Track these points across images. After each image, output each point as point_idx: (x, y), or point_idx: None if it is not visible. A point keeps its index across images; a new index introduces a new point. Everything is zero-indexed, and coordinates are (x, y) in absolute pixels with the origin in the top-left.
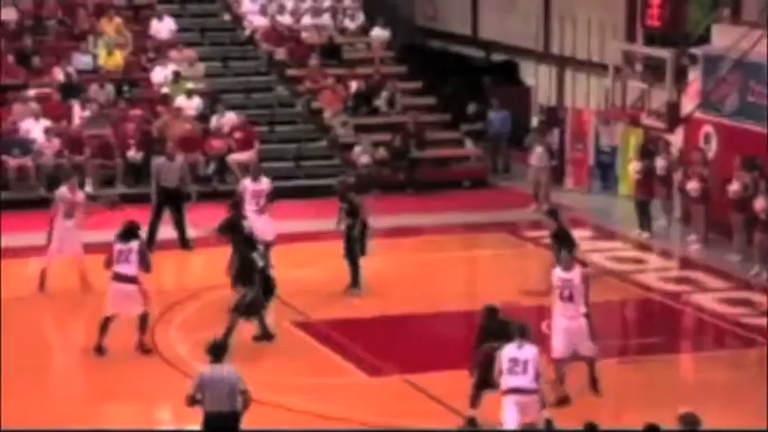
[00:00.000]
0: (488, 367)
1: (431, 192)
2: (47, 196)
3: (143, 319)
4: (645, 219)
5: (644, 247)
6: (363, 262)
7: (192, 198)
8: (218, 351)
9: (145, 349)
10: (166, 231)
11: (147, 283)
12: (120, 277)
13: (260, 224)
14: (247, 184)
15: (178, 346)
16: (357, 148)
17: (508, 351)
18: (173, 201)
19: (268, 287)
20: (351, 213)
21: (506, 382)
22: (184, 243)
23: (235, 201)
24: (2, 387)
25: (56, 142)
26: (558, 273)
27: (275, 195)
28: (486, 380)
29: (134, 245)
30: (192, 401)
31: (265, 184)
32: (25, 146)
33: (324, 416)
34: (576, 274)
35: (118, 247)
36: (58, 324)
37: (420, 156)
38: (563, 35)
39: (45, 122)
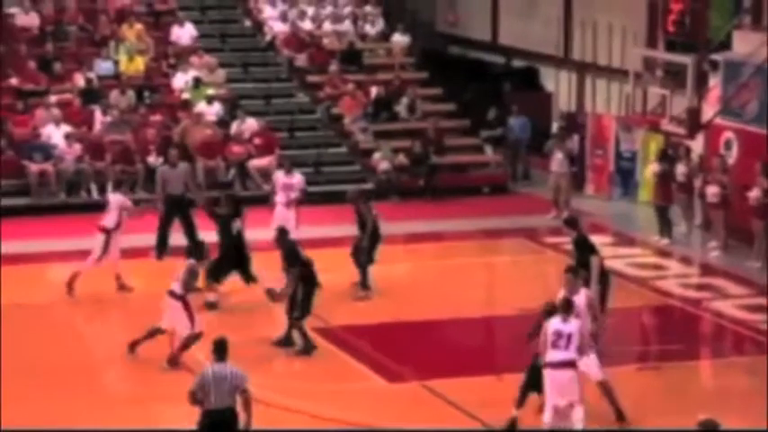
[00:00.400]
0: (537, 371)
1: (450, 198)
2: (67, 202)
3: (189, 338)
4: (665, 225)
5: (664, 253)
6: (381, 267)
7: (198, 204)
8: (221, 349)
9: (174, 362)
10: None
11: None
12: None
13: (283, 217)
14: (280, 176)
15: (197, 351)
16: (377, 155)
17: (553, 324)
18: (179, 208)
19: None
20: (360, 225)
21: (550, 355)
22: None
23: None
24: (26, 388)
25: (77, 148)
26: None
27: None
28: (533, 383)
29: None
30: (194, 399)
31: (297, 178)
32: (46, 151)
33: (343, 421)
34: (580, 305)
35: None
36: (89, 328)
37: (440, 162)
38: (584, 41)
39: (66, 128)
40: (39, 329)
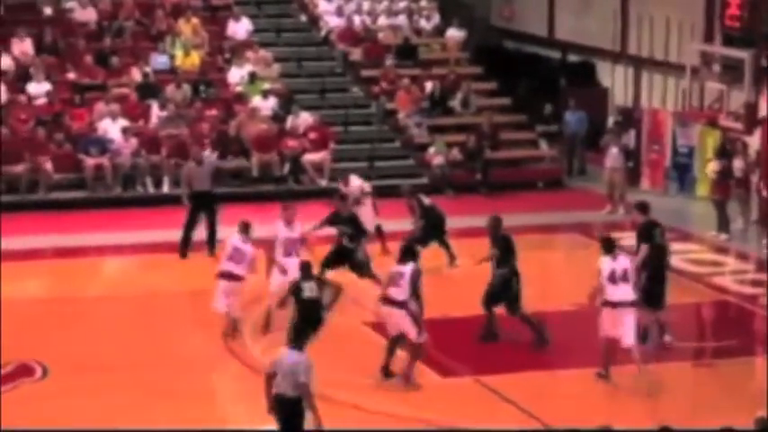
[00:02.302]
0: None
1: (505, 193)
2: (123, 196)
3: (415, 349)
4: (723, 220)
5: (720, 249)
6: (435, 262)
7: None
8: (297, 336)
9: (408, 380)
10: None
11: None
12: (388, 301)
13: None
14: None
15: (253, 347)
16: (431, 149)
17: (606, 265)
18: (206, 204)
19: None
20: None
21: (608, 293)
22: (211, 248)
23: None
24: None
25: (133, 142)
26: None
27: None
28: None
29: (407, 269)
30: (269, 380)
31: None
32: (103, 145)
33: (396, 416)
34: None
35: (392, 269)
36: (142, 322)
37: (494, 157)
38: (640, 35)
39: (122, 122)
40: (93, 323)
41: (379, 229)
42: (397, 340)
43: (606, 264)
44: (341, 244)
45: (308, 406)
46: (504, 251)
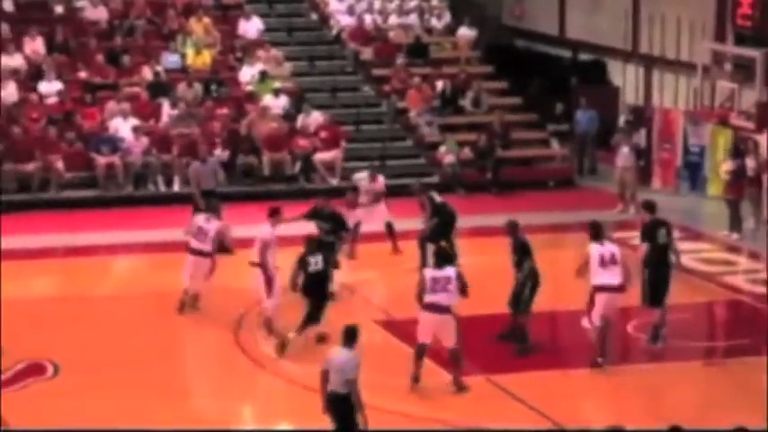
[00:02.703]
0: None
1: (516, 192)
2: (134, 194)
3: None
4: (735, 220)
5: (732, 248)
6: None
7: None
8: (348, 336)
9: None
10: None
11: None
12: (436, 307)
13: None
14: (364, 182)
15: (263, 344)
16: (442, 148)
17: (594, 251)
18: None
19: None
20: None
21: (599, 278)
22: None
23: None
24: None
25: (144, 140)
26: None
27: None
28: None
29: (452, 273)
30: (323, 377)
31: (381, 183)
32: (114, 144)
33: (408, 415)
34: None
35: (432, 274)
36: (155, 321)
37: (505, 156)
38: (651, 34)
39: (134, 121)
40: (105, 322)
41: (390, 228)
42: (425, 348)
43: (595, 250)
44: (319, 238)
45: (355, 403)
46: (522, 254)
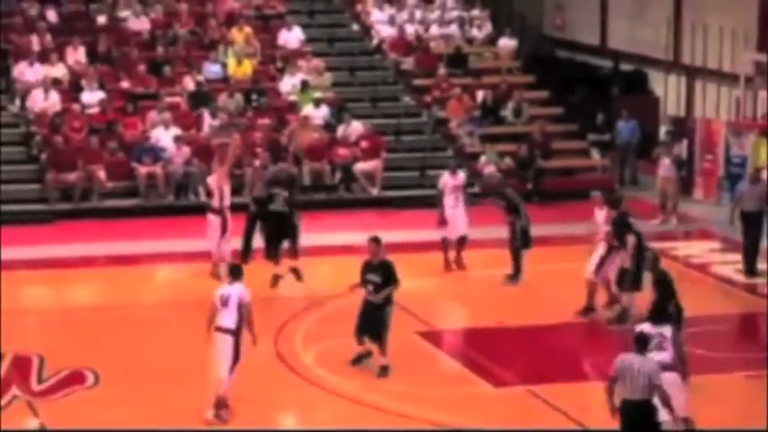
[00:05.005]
0: None
1: (557, 202)
2: (175, 204)
3: None
4: None
5: None
6: (488, 271)
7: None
8: (640, 342)
9: None
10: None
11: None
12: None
13: (457, 217)
14: (447, 179)
15: (303, 354)
16: (483, 158)
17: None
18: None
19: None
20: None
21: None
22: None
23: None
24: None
25: (185, 150)
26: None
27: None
28: None
29: (666, 331)
30: (611, 385)
31: (462, 178)
32: (155, 153)
33: (448, 425)
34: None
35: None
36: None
37: (546, 166)
38: (693, 44)
39: (175, 131)
40: (146, 331)
41: (462, 239)
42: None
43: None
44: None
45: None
46: (624, 228)
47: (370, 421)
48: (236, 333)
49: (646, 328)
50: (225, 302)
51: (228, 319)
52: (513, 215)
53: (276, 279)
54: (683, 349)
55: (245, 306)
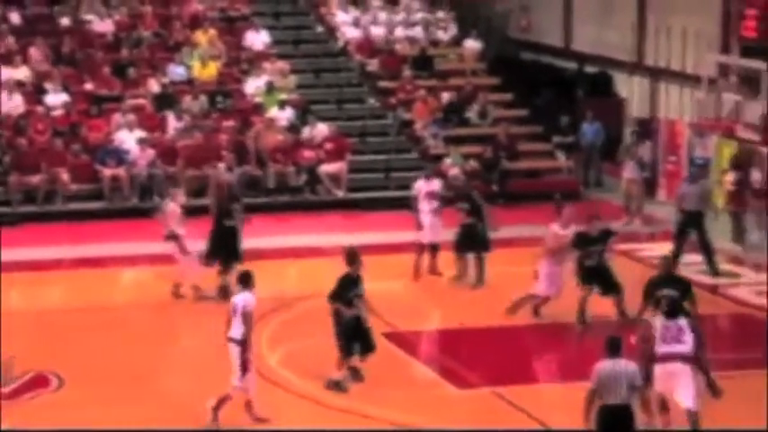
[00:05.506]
0: None
1: (522, 204)
2: (140, 206)
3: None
4: (739, 232)
5: (737, 260)
6: (452, 272)
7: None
8: (613, 346)
9: None
10: (267, 242)
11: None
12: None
13: (430, 224)
14: (421, 185)
15: (269, 356)
16: (447, 160)
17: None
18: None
19: None
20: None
21: None
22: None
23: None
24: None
25: (149, 152)
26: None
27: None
28: None
29: (683, 323)
30: (592, 396)
31: (436, 184)
32: (120, 156)
33: (412, 426)
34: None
35: (664, 323)
36: (160, 332)
37: (511, 167)
38: (657, 46)
39: (139, 133)
40: (110, 334)
41: (434, 246)
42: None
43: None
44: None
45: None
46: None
47: (333, 423)
48: (241, 342)
49: (662, 322)
50: (234, 311)
51: (236, 329)
52: (475, 218)
53: (224, 291)
54: (703, 340)
55: (246, 315)
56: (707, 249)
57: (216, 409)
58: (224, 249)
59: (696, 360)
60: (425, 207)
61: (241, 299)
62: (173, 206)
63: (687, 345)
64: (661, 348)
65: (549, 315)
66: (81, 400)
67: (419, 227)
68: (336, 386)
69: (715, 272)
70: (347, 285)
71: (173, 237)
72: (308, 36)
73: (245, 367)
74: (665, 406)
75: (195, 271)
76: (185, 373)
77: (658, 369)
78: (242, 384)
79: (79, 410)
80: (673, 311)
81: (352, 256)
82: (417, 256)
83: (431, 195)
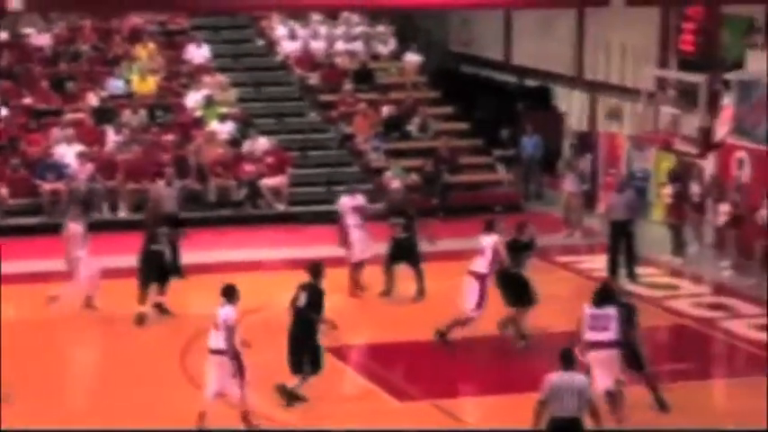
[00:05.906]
0: None
1: (463, 217)
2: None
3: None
4: (678, 244)
5: (676, 272)
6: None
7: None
8: (567, 359)
9: None
10: (208, 256)
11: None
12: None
13: (357, 240)
14: (345, 200)
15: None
16: (388, 173)
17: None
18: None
19: None
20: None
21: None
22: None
23: None
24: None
25: (89, 167)
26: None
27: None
28: None
29: (611, 311)
30: (542, 406)
31: (360, 199)
32: (59, 170)
33: None
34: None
35: (591, 312)
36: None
37: (452, 181)
38: (596, 60)
39: (78, 147)
40: (53, 348)
41: (359, 263)
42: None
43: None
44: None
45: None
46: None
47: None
48: (226, 353)
49: (590, 310)
50: (216, 325)
51: (218, 340)
52: (409, 232)
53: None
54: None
55: (229, 328)
56: (631, 256)
57: (245, 419)
58: (154, 273)
59: (621, 344)
60: (351, 222)
61: (224, 312)
62: (72, 226)
63: (613, 332)
64: (589, 336)
65: (490, 329)
66: (26, 416)
67: (345, 243)
68: (290, 395)
69: (633, 279)
70: (322, 298)
71: (70, 260)
72: (249, 50)
73: (241, 374)
74: (615, 402)
75: (94, 285)
76: (128, 383)
77: (587, 357)
78: (241, 391)
79: (23, 426)
80: (601, 300)
81: (318, 269)
82: (351, 271)
83: (356, 210)
